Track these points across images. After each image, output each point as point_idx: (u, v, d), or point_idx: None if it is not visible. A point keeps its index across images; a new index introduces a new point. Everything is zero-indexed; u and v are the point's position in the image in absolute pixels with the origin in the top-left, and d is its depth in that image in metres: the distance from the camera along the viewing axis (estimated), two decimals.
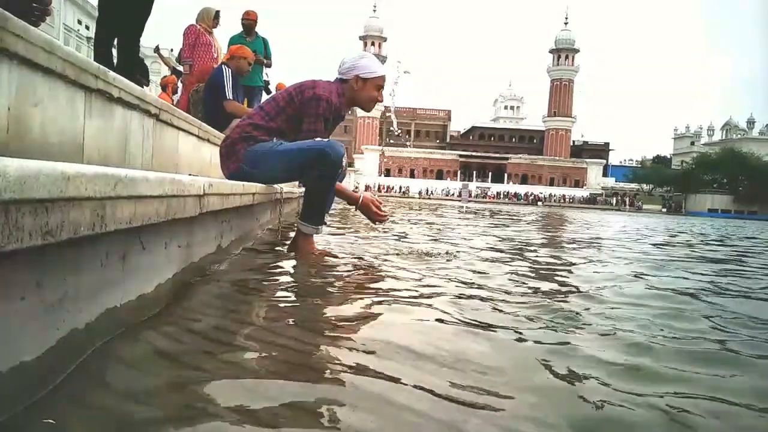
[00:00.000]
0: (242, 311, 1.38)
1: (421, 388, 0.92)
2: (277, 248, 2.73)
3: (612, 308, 1.74)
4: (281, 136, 2.49)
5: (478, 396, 0.91)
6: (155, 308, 1.23)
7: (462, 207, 18.18)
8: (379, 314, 1.45)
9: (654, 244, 5.59)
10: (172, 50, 6.56)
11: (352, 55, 2.63)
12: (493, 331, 1.35)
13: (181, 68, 6.21)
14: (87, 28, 35.32)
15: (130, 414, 0.76)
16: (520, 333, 1.35)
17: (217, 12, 5.61)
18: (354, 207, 2.61)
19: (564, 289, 2.12)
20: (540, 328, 1.42)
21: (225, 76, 4.58)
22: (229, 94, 4.57)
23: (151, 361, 0.95)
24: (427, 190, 60.23)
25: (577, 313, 1.61)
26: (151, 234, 1.13)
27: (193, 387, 0.85)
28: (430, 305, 1.59)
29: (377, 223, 2.67)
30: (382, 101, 2.79)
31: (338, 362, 1.03)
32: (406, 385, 0.93)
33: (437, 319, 1.43)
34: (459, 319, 1.44)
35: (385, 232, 4.69)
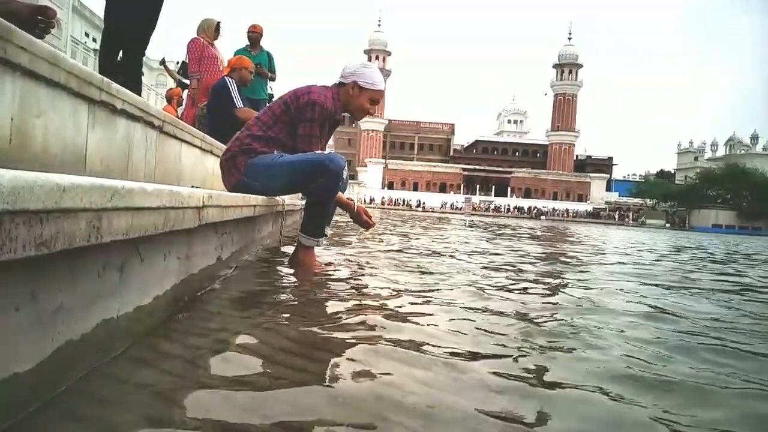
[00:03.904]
0: (241, 325, 1.36)
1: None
2: (277, 260, 2.73)
3: None
4: (280, 145, 2.49)
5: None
6: (153, 320, 1.22)
7: (465, 220, 18.20)
8: (379, 331, 1.44)
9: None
10: (178, 62, 6.60)
11: (357, 62, 2.63)
12: (498, 358, 1.34)
13: (186, 81, 6.25)
14: (94, 40, 35.67)
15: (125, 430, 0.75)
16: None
17: (218, 24, 5.63)
18: (349, 214, 2.71)
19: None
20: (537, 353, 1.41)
21: (230, 87, 4.62)
22: (239, 103, 4.60)
23: (146, 376, 0.94)
24: (427, 204, 60.08)
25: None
26: (149, 245, 1.13)
27: (189, 405, 0.84)
28: (432, 323, 1.58)
29: (367, 229, 2.78)
30: (373, 114, 2.85)
31: (337, 384, 1.01)
32: (404, 410, 0.92)
33: (440, 338, 1.42)
34: (464, 341, 1.43)
35: (387, 244, 4.68)
